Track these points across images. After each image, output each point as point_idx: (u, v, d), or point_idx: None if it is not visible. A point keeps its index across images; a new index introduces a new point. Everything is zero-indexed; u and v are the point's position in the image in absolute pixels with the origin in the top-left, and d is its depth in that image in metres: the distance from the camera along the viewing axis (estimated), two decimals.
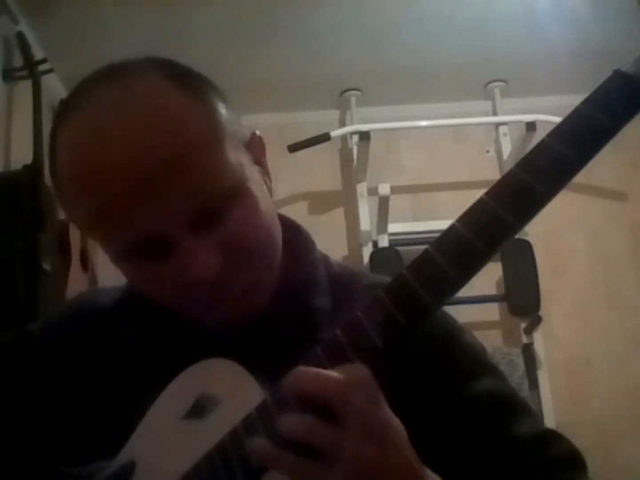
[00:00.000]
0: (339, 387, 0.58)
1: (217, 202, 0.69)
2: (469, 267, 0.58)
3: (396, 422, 0.60)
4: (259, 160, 0.79)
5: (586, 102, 0.57)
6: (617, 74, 0.57)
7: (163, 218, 0.67)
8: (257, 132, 0.80)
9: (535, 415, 0.81)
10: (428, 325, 0.72)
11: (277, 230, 0.78)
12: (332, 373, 0.59)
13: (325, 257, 0.87)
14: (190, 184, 0.67)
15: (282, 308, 0.78)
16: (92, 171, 0.68)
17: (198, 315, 0.75)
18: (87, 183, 0.68)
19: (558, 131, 0.58)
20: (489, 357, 0.85)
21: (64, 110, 0.73)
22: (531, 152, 0.58)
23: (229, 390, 0.69)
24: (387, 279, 0.85)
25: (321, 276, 0.83)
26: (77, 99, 0.72)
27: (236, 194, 0.71)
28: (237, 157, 0.72)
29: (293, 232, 0.85)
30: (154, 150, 0.67)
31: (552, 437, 0.77)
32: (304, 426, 0.58)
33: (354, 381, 0.58)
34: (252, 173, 0.75)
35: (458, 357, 0.80)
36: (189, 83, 0.72)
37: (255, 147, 0.79)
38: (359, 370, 0.59)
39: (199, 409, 0.69)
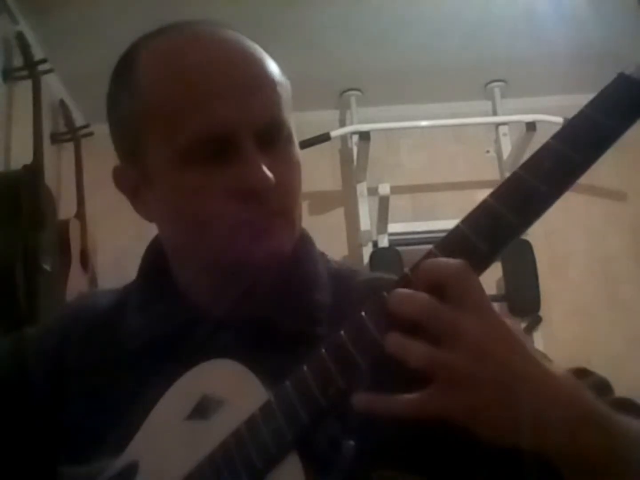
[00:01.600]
0: (456, 268, 0.57)
1: (281, 130, 0.76)
2: (472, 268, 0.58)
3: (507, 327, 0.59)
4: None
5: (590, 104, 0.57)
6: (621, 77, 0.57)
7: (240, 120, 0.72)
8: None
9: None
10: None
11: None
12: (419, 293, 0.58)
13: (323, 255, 0.88)
14: (270, 103, 0.75)
15: (283, 302, 0.79)
16: (192, 64, 0.74)
17: (232, 242, 0.75)
18: (185, 72, 0.74)
19: (563, 133, 0.58)
20: None
21: (148, 36, 0.80)
22: (536, 154, 0.59)
23: (233, 391, 0.69)
24: (384, 275, 0.86)
25: (321, 272, 0.84)
26: (160, 31, 0.80)
27: (291, 137, 0.78)
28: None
29: None
30: (251, 61, 0.76)
31: None
32: (423, 305, 0.57)
33: (441, 291, 0.57)
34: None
35: None
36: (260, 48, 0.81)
37: None
38: (450, 275, 0.57)
39: (202, 410, 0.69)
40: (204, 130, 0.72)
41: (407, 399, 0.57)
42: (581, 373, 0.76)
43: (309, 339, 0.70)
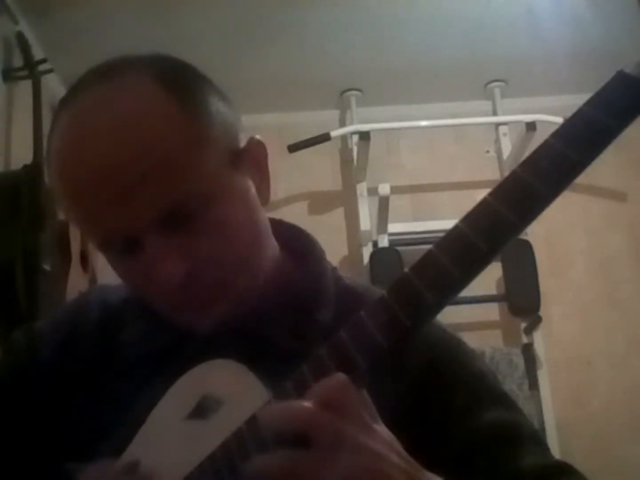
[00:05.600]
0: (306, 415, 0.57)
1: (187, 206, 0.71)
2: (472, 268, 0.58)
3: (382, 434, 0.59)
4: (256, 165, 0.80)
5: (589, 103, 0.57)
6: (620, 75, 0.57)
7: (130, 221, 0.70)
8: (257, 137, 0.81)
9: (544, 445, 0.79)
10: (436, 350, 0.76)
11: (257, 238, 0.78)
12: (299, 402, 0.58)
13: (334, 270, 0.87)
14: (159, 191, 0.70)
15: (281, 320, 0.78)
16: (69, 171, 0.72)
17: (170, 316, 0.78)
18: (66, 180, 0.73)
19: (561, 132, 0.58)
20: (498, 383, 0.83)
21: (59, 106, 0.77)
22: (534, 153, 0.59)
23: (233, 390, 0.69)
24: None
25: (326, 287, 0.83)
26: (70, 96, 0.76)
27: (208, 200, 0.72)
28: (217, 163, 0.74)
29: (301, 241, 0.85)
30: (127, 159, 0.69)
31: (559, 470, 0.75)
32: (279, 461, 0.57)
33: (324, 403, 0.57)
34: (232, 179, 0.75)
35: (463, 387, 0.79)
36: (181, 85, 0.74)
37: (251, 152, 0.79)
38: (331, 387, 0.58)
39: (202, 410, 0.69)
40: (101, 238, 0.74)
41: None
42: (564, 470, 0.75)
43: (305, 353, 0.70)
